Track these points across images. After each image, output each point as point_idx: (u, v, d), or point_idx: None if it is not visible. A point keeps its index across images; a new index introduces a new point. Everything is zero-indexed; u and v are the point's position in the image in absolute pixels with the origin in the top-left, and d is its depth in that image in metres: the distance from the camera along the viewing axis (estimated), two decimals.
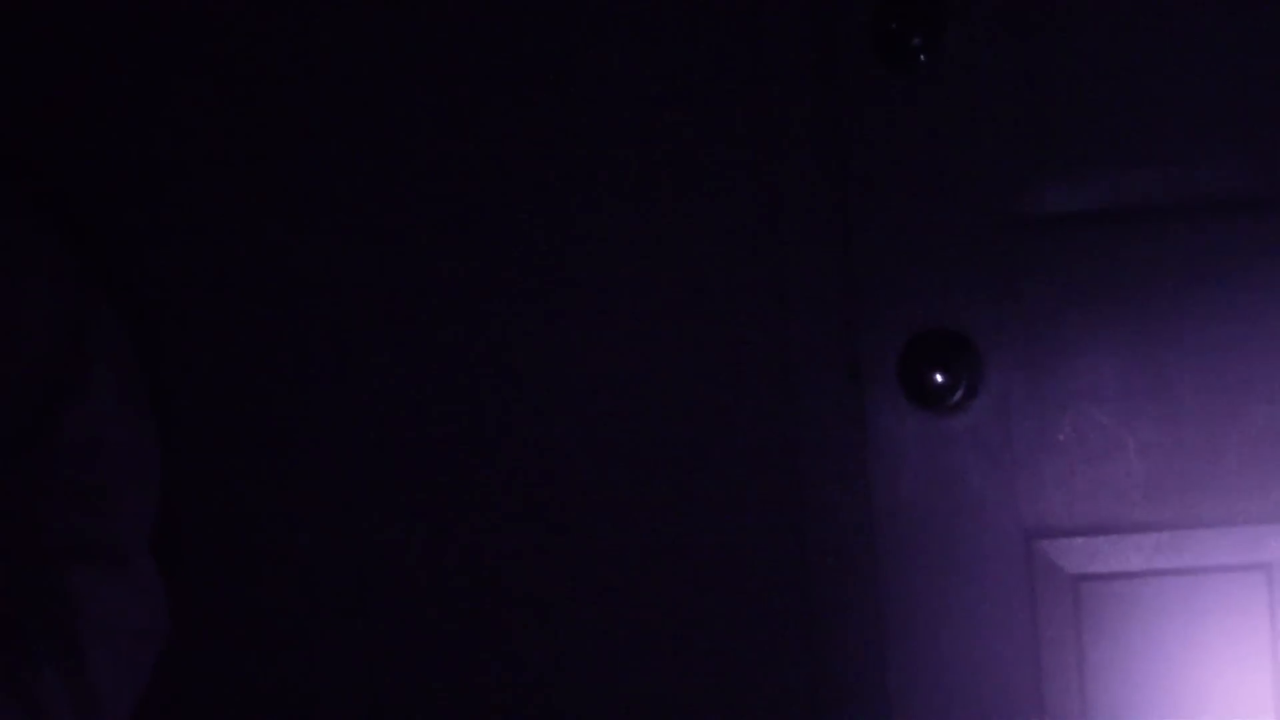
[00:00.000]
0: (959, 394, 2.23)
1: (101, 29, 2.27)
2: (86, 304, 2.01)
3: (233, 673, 2.35)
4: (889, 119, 2.21)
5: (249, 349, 2.31)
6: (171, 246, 2.29)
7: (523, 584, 2.30)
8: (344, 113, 2.27)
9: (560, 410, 2.28)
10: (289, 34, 2.26)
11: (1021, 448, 2.24)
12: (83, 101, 2.29)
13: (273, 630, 2.34)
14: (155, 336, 2.29)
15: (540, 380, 2.27)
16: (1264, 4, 2.16)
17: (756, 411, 2.25)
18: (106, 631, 1.95)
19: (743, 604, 2.28)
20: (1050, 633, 2.25)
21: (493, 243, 2.26)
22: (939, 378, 2.22)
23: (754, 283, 2.24)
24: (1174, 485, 2.22)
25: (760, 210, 2.22)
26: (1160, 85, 2.17)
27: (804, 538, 2.26)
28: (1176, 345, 2.21)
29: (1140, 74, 2.17)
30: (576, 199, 2.25)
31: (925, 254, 2.22)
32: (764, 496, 2.26)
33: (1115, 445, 2.23)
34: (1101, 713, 2.25)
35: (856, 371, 2.24)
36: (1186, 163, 2.18)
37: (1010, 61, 2.19)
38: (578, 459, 2.28)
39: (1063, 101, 2.19)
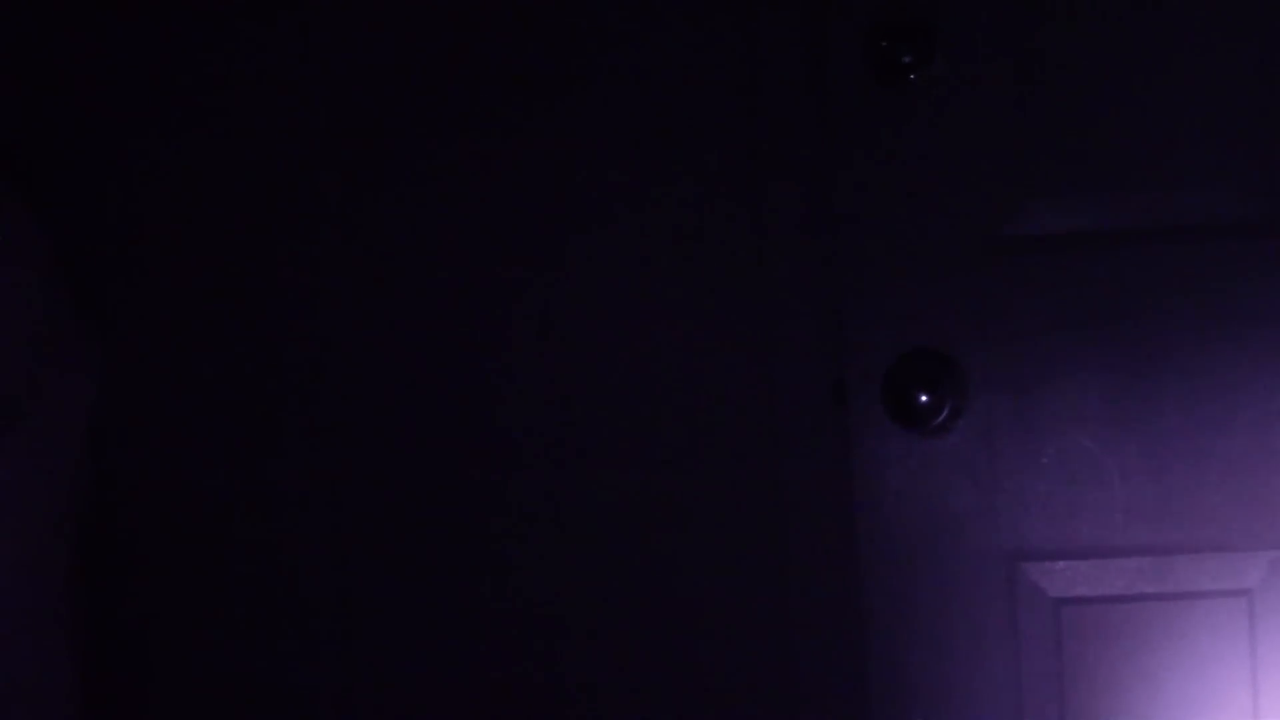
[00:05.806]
0: (943, 415, 2.22)
1: None
2: None
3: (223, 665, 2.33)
4: (879, 135, 2.21)
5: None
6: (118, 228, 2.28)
7: (511, 592, 2.29)
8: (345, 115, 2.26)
9: (537, 428, 2.26)
10: None
11: (1005, 470, 2.24)
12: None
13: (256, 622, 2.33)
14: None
15: (512, 395, 2.26)
16: (1250, 33, 2.18)
17: (740, 428, 2.24)
18: None
19: (721, 623, 2.27)
20: (1031, 655, 2.24)
21: (489, 248, 2.26)
22: (923, 398, 2.22)
23: (740, 299, 2.23)
24: (1157, 510, 2.22)
25: (748, 226, 2.22)
26: (1148, 109, 2.18)
27: (785, 556, 2.25)
28: (1162, 370, 2.21)
29: (1128, 97, 2.18)
30: (566, 209, 2.24)
31: (912, 273, 2.22)
32: (745, 514, 2.25)
33: (1099, 469, 2.22)
34: None
35: (842, 390, 2.23)
36: (1175, 186, 2.19)
37: (1000, 82, 2.20)
38: (554, 477, 2.27)
39: (1051, 123, 2.19)
